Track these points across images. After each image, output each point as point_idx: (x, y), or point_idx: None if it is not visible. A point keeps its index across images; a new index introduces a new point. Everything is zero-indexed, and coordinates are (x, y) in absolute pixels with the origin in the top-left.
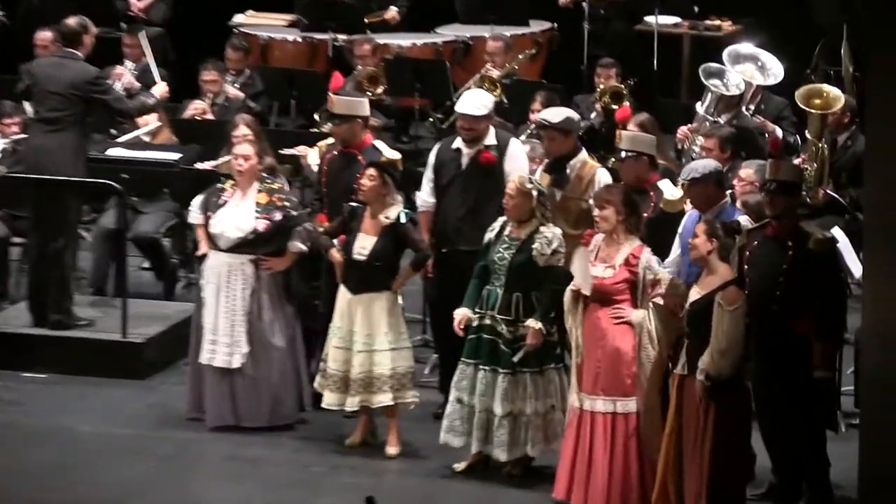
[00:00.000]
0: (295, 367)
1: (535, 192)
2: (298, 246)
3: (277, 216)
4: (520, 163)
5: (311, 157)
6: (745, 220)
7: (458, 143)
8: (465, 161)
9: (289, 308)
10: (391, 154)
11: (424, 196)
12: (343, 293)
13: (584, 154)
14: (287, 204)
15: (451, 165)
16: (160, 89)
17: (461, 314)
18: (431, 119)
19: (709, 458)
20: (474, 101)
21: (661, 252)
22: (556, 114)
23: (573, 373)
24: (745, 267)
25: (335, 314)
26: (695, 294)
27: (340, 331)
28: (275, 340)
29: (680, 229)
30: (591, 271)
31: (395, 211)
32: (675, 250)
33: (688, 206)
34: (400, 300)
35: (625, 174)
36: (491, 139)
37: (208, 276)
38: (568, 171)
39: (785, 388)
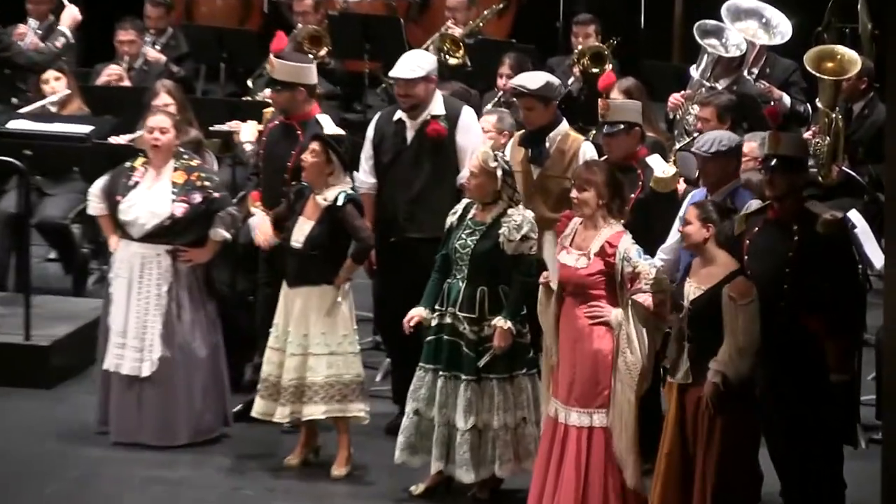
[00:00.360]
0: (217, 375)
1: (499, 171)
2: (222, 233)
3: (197, 198)
4: (474, 135)
5: (245, 132)
6: (756, 203)
7: (401, 113)
8: (409, 134)
9: (211, 307)
10: (335, 132)
11: (363, 176)
12: (284, 286)
13: (565, 125)
14: (208, 184)
15: (393, 140)
16: (69, 15)
17: (414, 313)
18: (384, 85)
19: (714, 478)
20: (408, 61)
21: (651, 239)
22: (533, 79)
23: (545, 376)
24: (745, 258)
25: (277, 308)
26: (693, 290)
27: (276, 329)
28: (195, 345)
29: (682, 211)
30: (563, 259)
31: (335, 192)
32: (674, 235)
33: (681, 185)
34: (342, 297)
35: (613, 150)
36: (438, 108)
37: (118, 270)
38: (547, 144)
39: (796, 396)
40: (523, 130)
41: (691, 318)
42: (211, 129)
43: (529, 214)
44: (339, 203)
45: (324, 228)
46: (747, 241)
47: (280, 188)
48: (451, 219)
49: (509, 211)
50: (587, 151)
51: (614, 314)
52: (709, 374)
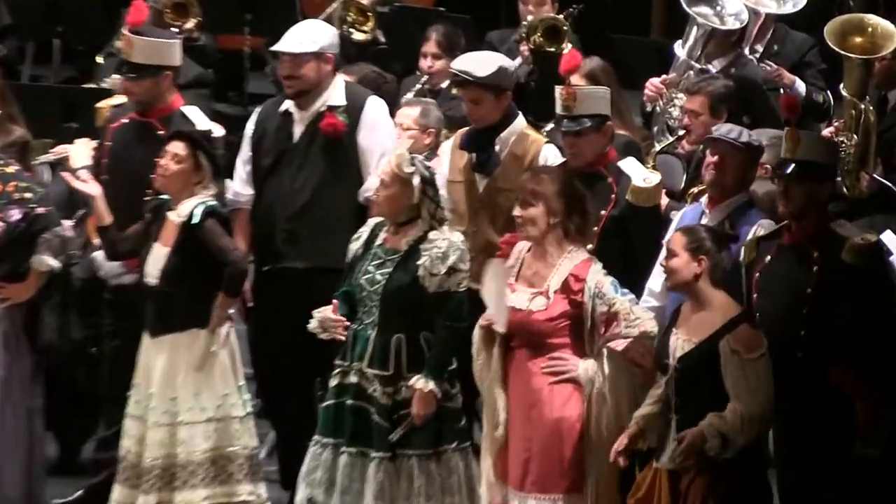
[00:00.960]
0: (29, 452)
1: (416, 180)
2: (48, 262)
3: (14, 214)
4: (382, 133)
5: (77, 157)
6: (768, 224)
7: (288, 103)
8: (297, 130)
9: (30, 360)
10: (208, 127)
11: (238, 186)
12: (144, 335)
13: (521, 123)
14: (29, 196)
15: (277, 138)
16: None
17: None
18: (272, 67)
19: None
20: (297, 33)
21: (629, 270)
22: (481, 63)
23: (486, 456)
24: (755, 295)
25: (137, 365)
26: (681, 343)
27: (136, 391)
28: (5, 412)
29: (669, 234)
30: (510, 299)
31: (189, 206)
32: (660, 268)
33: (665, 199)
34: (218, 344)
35: (580, 152)
36: (337, 97)
37: None
38: (497, 147)
39: (817, 473)
40: (466, 129)
41: (679, 382)
42: (34, 162)
43: (457, 238)
44: (196, 220)
45: (183, 256)
46: (757, 274)
47: (138, 207)
48: (355, 246)
49: (430, 234)
50: (550, 157)
51: (583, 368)
52: (703, 424)
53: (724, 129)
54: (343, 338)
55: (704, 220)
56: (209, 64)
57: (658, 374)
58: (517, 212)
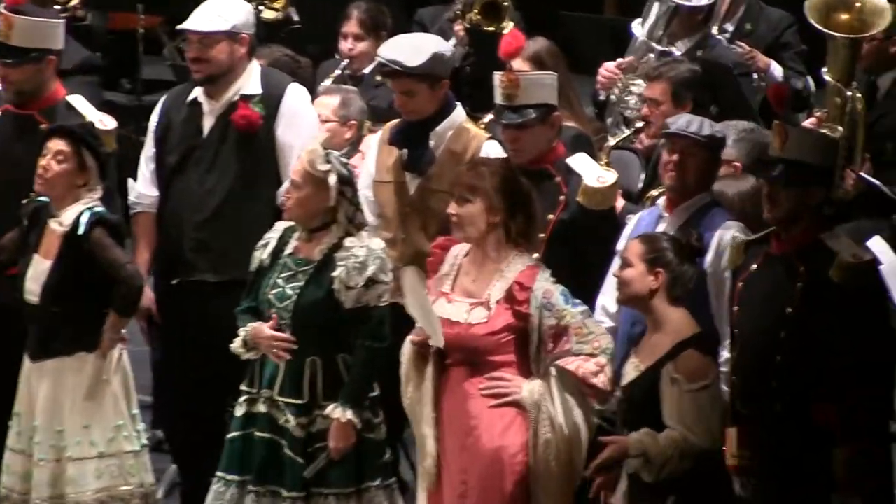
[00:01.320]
0: None
1: (332, 179)
2: None
3: None
4: (303, 125)
5: None
6: (733, 230)
7: (197, 91)
8: (207, 124)
9: None
10: (98, 118)
11: (142, 187)
12: (25, 360)
13: (459, 115)
14: None
15: (184, 132)
16: None
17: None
18: (169, 49)
19: None
20: (207, 10)
21: (580, 281)
22: (412, 50)
23: (421, 491)
24: (735, 309)
25: (18, 393)
26: (631, 369)
27: (17, 422)
28: None
29: (622, 242)
30: (446, 313)
31: (74, 212)
32: (613, 280)
33: (621, 201)
34: (109, 371)
35: (524, 147)
36: (253, 85)
37: None
38: (432, 143)
39: None
40: (396, 122)
41: (626, 413)
42: None
43: (377, 246)
44: (82, 230)
45: (67, 270)
46: (740, 285)
47: (15, 212)
48: (261, 254)
49: (347, 241)
50: (492, 155)
51: (527, 390)
52: (633, 437)
53: (683, 122)
54: (285, 358)
55: (662, 226)
56: (97, 47)
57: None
58: (453, 209)
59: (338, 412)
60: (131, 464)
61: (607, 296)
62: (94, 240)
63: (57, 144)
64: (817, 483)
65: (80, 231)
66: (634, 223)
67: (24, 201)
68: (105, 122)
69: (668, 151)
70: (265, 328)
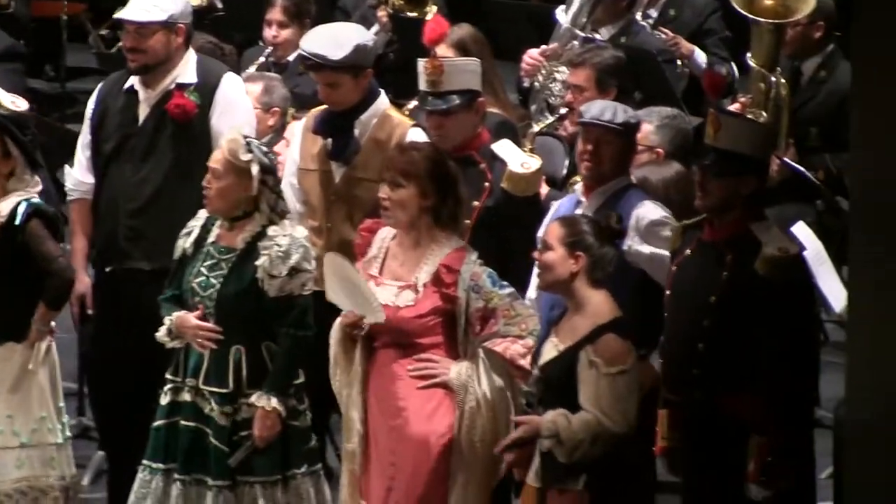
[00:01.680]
0: None
1: (255, 168)
2: None
3: None
4: (239, 114)
5: None
6: (656, 208)
7: (134, 79)
8: (143, 112)
9: None
10: (11, 101)
11: (78, 173)
12: None
13: (383, 102)
14: None
15: (120, 120)
16: None
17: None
18: (94, 37)
19: None
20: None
21: (505, 266)
22: (335, 42)
23: (345, 476)
24: (667, 292)
25: None
26: (549, 348)
27: None
28: None
29: (542, 229)
30: (379, 293)
31: (10, 203)
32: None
33: (545, 188)
34: (35, 362)
35: (449, 134)
36: (188, 74)
37: None
38: (357, 132)
39: None
40: (320, 110)
41: (542, 392)
42: None
43: (300, 234)
44: (19, 220)
45: (1, 259)
46: (674, 268)
47: None
48: (184, 243)
49: (270, 230)
50: (417, 140)
51: (455, 371)
52: (546, 418)
53: (596, 110)
54: (210, 348)
55: (580, 211)
56: (21, 34)
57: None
58: (384, 193)
59: (262, 401)
60: (52, 456)
61: (535, 288)
62: (29, 231)
63: None
64: (732, 473)
65: (17, 222)
66: (554, 210)
67: None
68: (17, 103)
69: (582, 140)
70: (191, 317)
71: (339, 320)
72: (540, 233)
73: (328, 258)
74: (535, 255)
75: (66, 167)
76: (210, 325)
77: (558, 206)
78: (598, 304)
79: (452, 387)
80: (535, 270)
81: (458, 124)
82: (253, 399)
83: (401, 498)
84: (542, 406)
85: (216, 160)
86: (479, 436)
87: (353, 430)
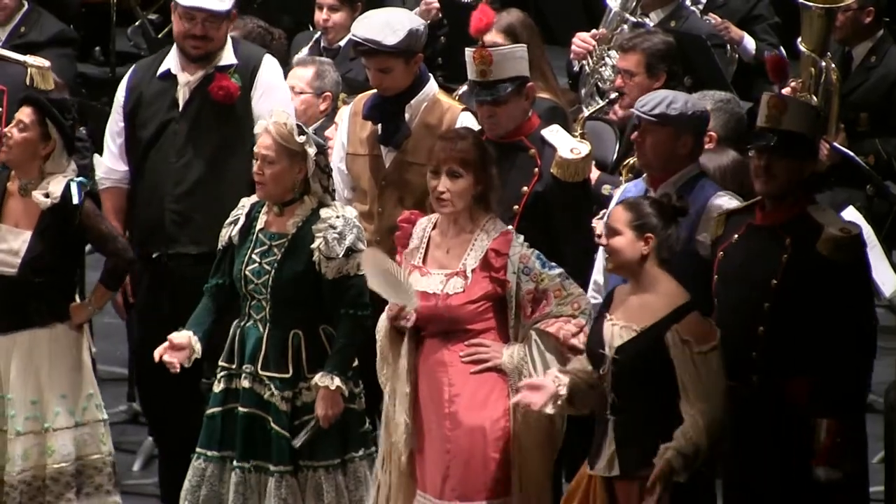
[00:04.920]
0: None
1: (311, 150)
2: None
3: None
4: (278, 96)
5: None
6: (730, 200)
7: (169, 62)
8: (183, 95)
9: None
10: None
11: (109, 161)
12: None
13: (432, 87)
14: None
15: (158, 105)
16: None
17: (178, 341)
18: (141, 22)
19: None
20: None
21: (555, 251)
22: (387, 27)
23: (387, 460)
24: (715, 278)
25: None
26: (618, 332)
27: None
28: None
29: (606, 214)
30: (421, 286)
31: (60, 184)
32: (603, 254)
33: (595, 172)
34: (88, 341)
35: (501, 122)
36: (227, 56)
37: None
38: (407, 116)
39: (768, 494)
40: (369, 94)
41: (617, 377)
42: None
43: (352, 214)
44: (76, 200)
45: (50, 240)
46: (721, 254)
47: None
48: (230, 231)
49: (322, 212)
50: (467, 125)
51: (507, 355)
52: (664, 451)
53: (641, 102)
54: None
55: None
56: (70, 19)
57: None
58: (444, 186)
59: (326, 380)
60: (102, 432)
61: (599, 272)
62: (86, 211)
63: (23, 112)
64: (795, 456)
65: (76, 201)
66: (619, 195)
67: None
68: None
69: (634, 131)
70: (181, 338)
71: (384, 314)
72: (596, 219)
73: (364, 255)
74: (602, 240)
75: (96, 156)
76: (185, 351)
77: (624, 191)
78: (669, 285)
79: (505, 370)
80: (601, 254)
81: (510, 112)
82: (316, 379)
83: (457, 485)
84: (615, 393)
85: (266, 146)
86: (535, 419)
87: (399, 424)
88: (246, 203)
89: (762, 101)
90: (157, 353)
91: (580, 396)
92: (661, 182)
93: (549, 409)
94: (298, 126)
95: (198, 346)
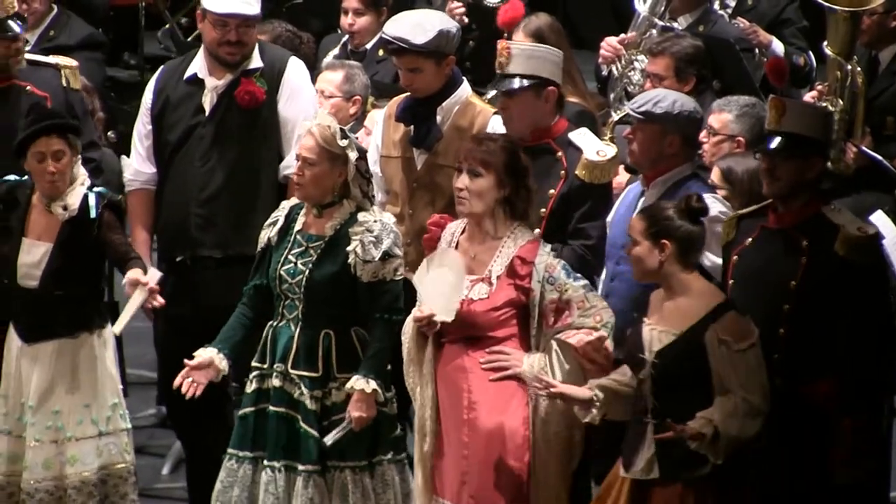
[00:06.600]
0: None
1: (351, 154)
2: None
3: None
4: (304, 99)
5: None
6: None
7: (196, 67)
8: (209, 100)
9: None
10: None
11: (137, 163)
12: (11, 339)
13: (465, 90)
14: None
15: (184, 109)
16: None
17: (203, 357)
18: (171, 25)
19: None
20: None
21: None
22: (418, 27)
23: (419, 466)
24: (730, 282)
25: (2, 374)
26: (657, 335)
27: (4, 404)
28: None
29: (611, 214)
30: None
31: (78, 195)
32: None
33: (622, 175)
34: (112, 350)
35: (513, 117)
36: (253, 60)
37: None
38: (439, 118)
39: (796, 499)
40: (402, 97)
41: (657, 380)
42: None
43: (389, 219)
44: (93, 214)
45: (69, 253)
46: (735, 257)
47: None
48: (269, 232)
49: (360, 216)
50: (498, 129)
51: (528, 363)
52: (695, 423)
53: (634, 100)
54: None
55: (643, 200)
56: (99, 23)
57: (632, 371)
58: (462, 183)
59: (361, 383)
60: (126, 441)
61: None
62: (105, 222)
63: (51, 145)
64: (816, 457)
65: (93, 214)
66: (622, 198)
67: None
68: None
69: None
70: (207, 356)
71: (411, 315)
72: (612, 215)
73: (449, 251)
74: (625, 250)
75: (124, 157)
76: (204, 371)
77: (626, 193)
78: (702, 286)
79: (525, 379)
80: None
81: (523, 108)
82: (351, 382)
83: (474, 491)
84: (655, 397)
85: (308, 148)
86: (554, 429)
87: (427, 430)
88: (286, 205)
89: (768, 103)
90: (177, 380)
91: (616, 406)
92: (652, 180)
93: (586, 419)
94: (342, 130)
95: (223, 364)
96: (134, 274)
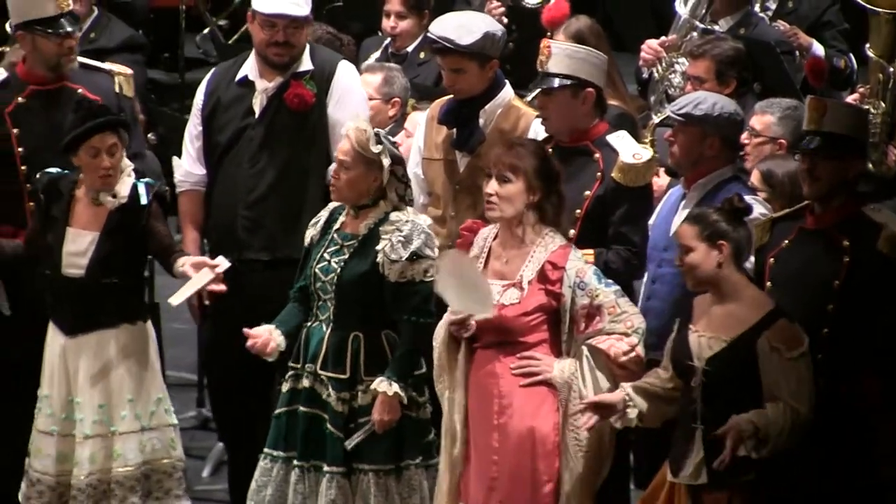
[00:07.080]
0: None
1: (386, 160)
2: None
3: None
4: (355, 102)
5: None
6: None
7: (247, 69)
8: (259, 103)
9: None
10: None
11: (188, 165)
12: (53, 337)
13: (508, 93)
14: None
15: (234, 111)
16: None
17: (265, 336)
18: (211, 28)
19: None
20: None
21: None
22: (463, 28)
23: (445, 472)
24: (767, 284)
25: (44, 374)
26: (706, 343)
27: (48, 403)
28: None
29: (653, 217)
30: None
31: (127, 184)
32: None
33: (661, 178)
34: (153, 342)
35: (551, 115)
36: (303, 63)
37: None
38: (482, 121)
39: (839, 498)
40: (445, 100)
41: (707, 388)
42: None
43: (423, 221)
44: (144, 201)
45: (117, 242)
46: (771, 260)
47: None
48: (312, 231)
49: (392, 216)
50: (540, 133)
51: (558, 369)
52: (738, 420)
53: (675, 102)
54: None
55: (683, 202)
56: (139, 24)
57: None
58: (492, 188)
59: (383, 385)
60: (171, 437)
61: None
62: (152, 212)
63: (106, 140)
64: (859, 456)
65: (143, 202)
66: (663, 201)
67: (38, 175)
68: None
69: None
70: (266, 334)
71: (443, 320)
72: (653, 218)
73: (447, 254)
74: (677, 261)
75: (175, 158)
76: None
77: (667, 196)
78: (753, 292)
79: (556, 384)
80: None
81: (560, 110)
82: (374, 384)
83: (504, 497)
84: (704, 404)
85: (344, 151)
86: (585, 435)
87: (457, 436)
88: (330, 206)
89: (805, 104)
90: (249, 341)
91: (651, 411)
92: (692, 183)
93: (618, 425)
94: (377, 135)
95: (280, 339)
96: (199, 258)
